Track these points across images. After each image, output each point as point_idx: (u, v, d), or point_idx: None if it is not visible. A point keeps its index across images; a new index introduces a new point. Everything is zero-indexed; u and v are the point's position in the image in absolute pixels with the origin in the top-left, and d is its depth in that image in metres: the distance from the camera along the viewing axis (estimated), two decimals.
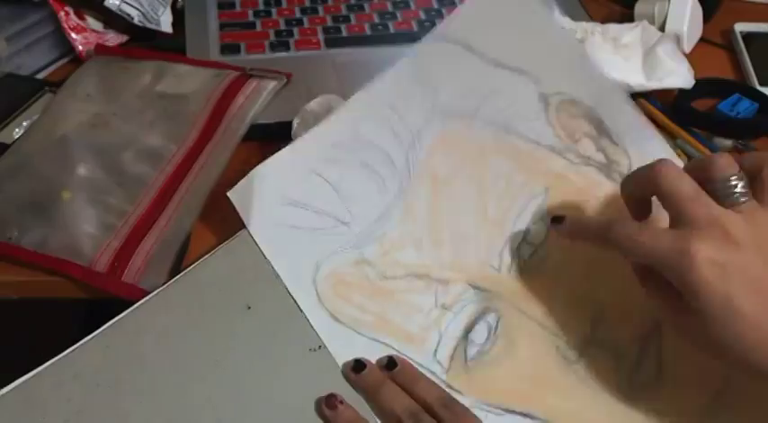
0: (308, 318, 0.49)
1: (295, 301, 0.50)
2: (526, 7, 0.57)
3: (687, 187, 0.44)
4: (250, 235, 0.51)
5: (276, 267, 0.50)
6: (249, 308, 0.51)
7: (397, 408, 0.46)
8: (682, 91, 0.71)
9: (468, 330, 0.50)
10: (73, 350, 0.49)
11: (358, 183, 0.52)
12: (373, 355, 0.48)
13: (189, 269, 0.52)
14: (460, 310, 0.50)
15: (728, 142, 0.69)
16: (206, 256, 0.53)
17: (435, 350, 0.49)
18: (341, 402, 0.47)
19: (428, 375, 0.48)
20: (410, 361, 0.49)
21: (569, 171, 0.54)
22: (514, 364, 0.49)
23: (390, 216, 0.52)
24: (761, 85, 0.75)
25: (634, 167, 0.53)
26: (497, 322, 0.50)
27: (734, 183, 0.44)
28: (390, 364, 0.48)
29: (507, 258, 0.52)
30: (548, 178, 0.53)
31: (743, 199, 0.44)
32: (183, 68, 0.71)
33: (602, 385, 0.49)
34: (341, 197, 0.52)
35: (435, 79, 0.55)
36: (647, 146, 0.55)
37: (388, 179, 0.52)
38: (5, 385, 0.48)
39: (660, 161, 0.45)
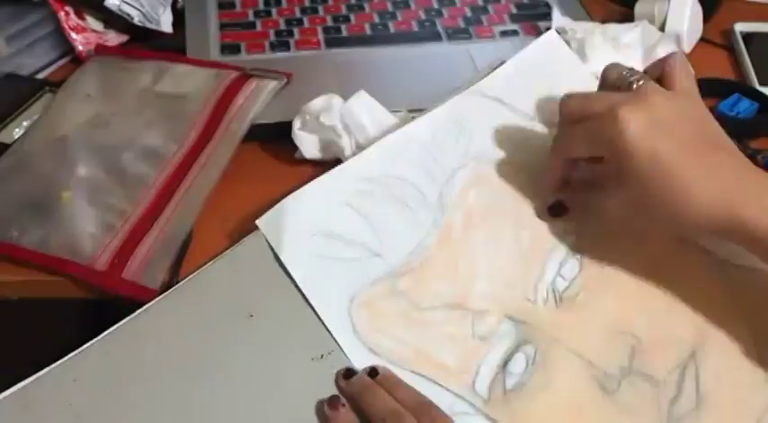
0: (344, 349, 0.50)
1: (324, 324, 0.50)
2: (562, 67, 0.61)
3: (591, 97, 0.52)
4: (253, 243, 0.51)
5: (309, 298, 0.50)
6: (251, 316, 0.51)
7: (382, 409, 0.47)
8: None
9: (506, 361, 0.50)
10: (74, 355, 0.49)
11: (391, 215, 0.53)
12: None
13: (191, 276, 0.52)
14: (498, 341, 0.50)
15: None
16: (208, 263, 0.53)
17: (474, 382, 0.49)
18: (343, 405, 0.48)
19: (468, 408, 0.49)
20: (449, 393, 0.49)
21: None
22: (553, 395, 0.49)
23: (424, 248, 0.53)
24: (761, 84, 0.75)
25: None
26: (535, 353, 0.50)
27: (627, 73, 0.52)
28: (372, 372, 0.49)
29: (543, 291, 0.52)
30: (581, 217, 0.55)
31: (643, 80, 0.51)
32: (182, 68, 0.71)
33: (642, 415, 0.49)
34: (373, 229, 0.53)
35: (470, 127, 0.57)
36: None
37: (421, 213, 0.53)
38: (5, 386, 0.48)
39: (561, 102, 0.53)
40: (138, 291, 0.55)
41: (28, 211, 0.59)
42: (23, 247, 0.57)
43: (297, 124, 0.63)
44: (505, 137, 0.57)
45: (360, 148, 0.62)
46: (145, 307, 0.51)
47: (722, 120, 0.69)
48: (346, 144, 0.61)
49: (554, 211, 0.55)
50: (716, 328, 0.51)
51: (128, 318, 0.50)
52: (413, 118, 0.64)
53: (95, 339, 0.50)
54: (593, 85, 0.58)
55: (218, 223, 0.60)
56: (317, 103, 0.63)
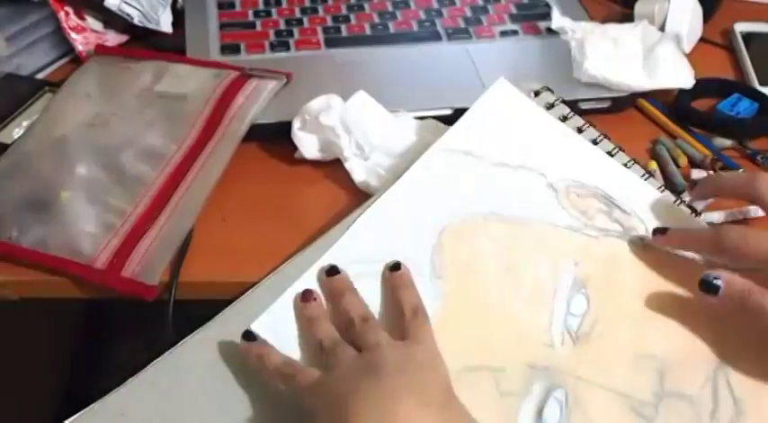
0: None
1: None
2: (519, 110, 0.61)
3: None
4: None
5: None
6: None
7: (355, 311, 0.50)
8: (682, 91, 0.72)
9: (540, 411, 0.49)
10: (120, 388, 0.50)
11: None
12: None
13: (238, 300, 0.53)
14: (526, 392, 0.50)
15: (728, 142, 0.69)
16: (227, 309, 0.53)
17: None
18: (314, 299, 0.51)
19: None
20: None
21: (592, 244, 0.56)
22: None
23: (432, 319, 0.51)
24: (761, 84, 0.75)
25: (650, 229, 0.56)
26: (566, 396, 0.50)
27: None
28: (332, 270, 0.52)
29: (557, 333, 0.52)
30: (574, 253, 0.55)
31: None
32: (182, 68, 0.71)
33: None
34: (375, 311, 0.52)
35: (445, 187, 0.57)
36: (656, 206, 0.58)
37: (419, 283, 0.52)
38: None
39: (760, 173, 0.51)
40: (137, 288, 0.55)
41: (27, 211, 0.59)
42: (23, 246, 0.57)
43: (296, 124, 0.63)
44: (482, 187, 0.57)
45: (359, 148, 0.62)
46: (188, 337, 0.51)
47: (722, 120, 0.70)
48: (345, 144, 0.61)
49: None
50: (733, 334, 0.51)
51: (172, 349, 0.51)
52: (413, 118, 0.65)
53: (140, 373, 0.50)
54: (551, 127, 0.60)
55: (218, 223, 0.60)
56: (317, 103, 0.63)
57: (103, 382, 1.04)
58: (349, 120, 0.61)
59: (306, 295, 0.51)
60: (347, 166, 0.62)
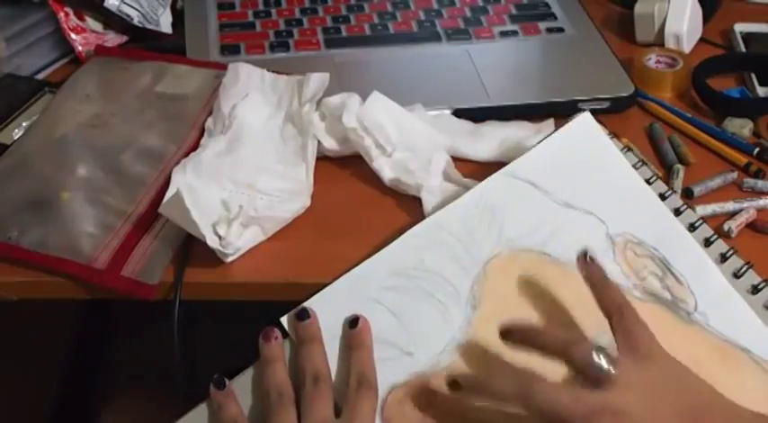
0: None
1: None
2: (595, 150, 0.59)
3: (562, 399, 0.45)
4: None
5: None
6: None
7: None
8: (699, 67, 0.72)
9: None
10: None
11: (422, 311, 0.52)
12: None
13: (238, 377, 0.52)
14: None
15: (740, 121, 0.69)
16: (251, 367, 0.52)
17: None
18: (276, 338, 0.51)
19: None
20: None
21: (636, 306, 0.52)
22: None
23: (457, 346, 0.51)
24: (760, 85, 0.75)
25: (700, 307, 0.54)
26: None
27: (595, 361, 0.46)
28: (301, 314, 0.51)
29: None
30: None
31: (611, 369, 0.46)
32: (182, 69, 0.71)
33: None
34: (403, 326, 0.52)
35: (502, 213, 0.56)
36: (711, 285, 0.55)
37: (452, 308, 0.52)
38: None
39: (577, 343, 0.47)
40: (136, 288, 0.55)
41: (27, 212, 0.59)
42: (23, 247, 0.57)
43: (316, 118, 0.63)
44: (538, 223, 0.56)
45: (380, 147, 0.62)
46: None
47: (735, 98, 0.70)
48: (370, 145, 0.62)
49: None
50: None
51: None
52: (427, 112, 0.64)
53: None
54: (627, 171, 0.58)
55: None
56: (337, 98, 0.63)
57: (103, 381, 1.04)
58: (368, 121, 0.61)
59: (267, 334, 0.51)
60: (374, 166, 0.62)
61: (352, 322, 0.51)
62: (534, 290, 0.54)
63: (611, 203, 0.57)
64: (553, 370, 0.48)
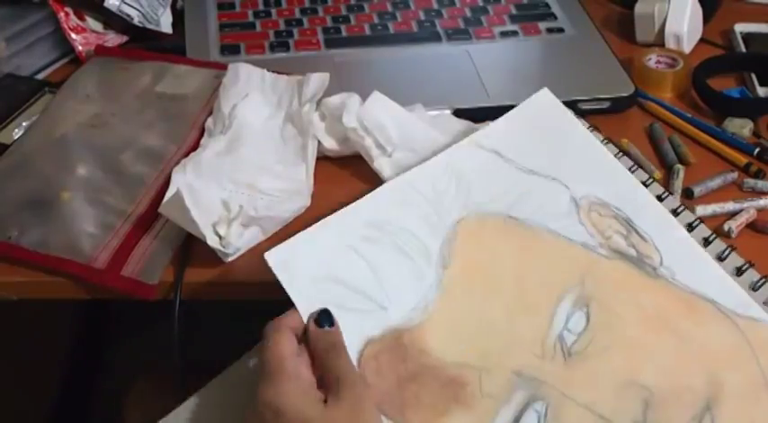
0: None
1: None
2: (556, 120, 0.61)
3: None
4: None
5: None
6: None
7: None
8: (699, 67, 0.72)
9: (518, 419, 0.49)
10: None
11: (395, 266, 0.53)
12: None
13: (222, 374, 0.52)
14: (507, 398, 0.49)
15: (740, 121, 0.69)
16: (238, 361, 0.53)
17: None
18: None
19: None
20: None
21: (603, 264, 0.55)
22: None
23: (427, 304, 0.52)
24: (760, 85, 0.75)
25: (665, 262, 0.55)
26: (546, 410, 0.49)
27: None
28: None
29: (550, 346, 0.52)
30: (583, 270, 0.55)
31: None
32: (182, 69, 0.71)
33: None
34: (378, 280, 0.52)
35: (468, 179, 0.57)
36: (675, 240, 0.57)
37: (424, 266, 0.53)
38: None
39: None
40: (136, 287, 0.55)
41: (27, 211, 0.59)
42: (23, 246, 0.57)
43: (316, 119, 0.63)
44: (504, 190, 0.57)
45: (380, 147, 0.62)
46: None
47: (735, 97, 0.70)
48: (370, 145, 0.62)
49: None
50: (728, 378, 0.51)
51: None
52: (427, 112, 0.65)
53: None
54: (585, 141, 0.59)
55: None
56: (337, 98, 0.63)
57: (103, 381, 1.04)
58: (369, 122, 0.62)
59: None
60: (375, 166, 0.62)
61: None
62: (502, 252, 0.55)
63: (574, 169, 0.58)
64: (519, 329, 0.51)
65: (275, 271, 0.50)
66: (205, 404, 0.51)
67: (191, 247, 0.57)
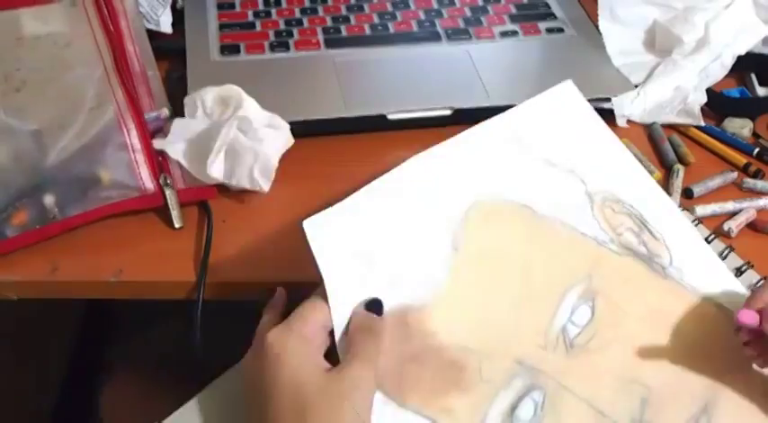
0: None
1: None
2: (577, 114, 0.61)
3: None
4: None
5: (333, 313, 0.50)
6: None
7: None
8: None
9: (514, 407, 0.49)
10: None
11: (411, 245, 0.53)
12: None
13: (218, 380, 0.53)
14: (506, 385, 0.50)
15: (740, 121, 0.69)
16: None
17: None
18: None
19: None
20: None
21: (612, 259, 0.55)
22: None
23: (436, 286, 0.52)
24: (760, 85, 0.75)
25: (675, 262, 0.55)
26: (543, 400, 0.50)
27: None
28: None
29: (553, 337, 0.52)
30: (591, 264, 0.55)
31: None
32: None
33: None
34: (395, 258, 0.52)
35: (482, 165, 0.57)
36: (687, 242, 0.57)
37: (435, 248, 0.53)
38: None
39: None
40: (199, 193, 0.61)
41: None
42: (69, 218, 0.58)
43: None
44: (519, 178, 0.57)
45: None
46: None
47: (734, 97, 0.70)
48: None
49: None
50: (728, 382, 0.51)
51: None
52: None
53: None
54: (604, 137, 0.59)
55: (218, 224, 0.60)
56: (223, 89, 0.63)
57: (104, 381, 1.04)
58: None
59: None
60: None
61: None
62: (513, 239, 0.55)
63: (592, 164, 0.58)
64: (523, 317, 0.51)
65: (309, 238, 0.50)
66: (205, 407, 0.52)
67: (210, 249, 0.58)
